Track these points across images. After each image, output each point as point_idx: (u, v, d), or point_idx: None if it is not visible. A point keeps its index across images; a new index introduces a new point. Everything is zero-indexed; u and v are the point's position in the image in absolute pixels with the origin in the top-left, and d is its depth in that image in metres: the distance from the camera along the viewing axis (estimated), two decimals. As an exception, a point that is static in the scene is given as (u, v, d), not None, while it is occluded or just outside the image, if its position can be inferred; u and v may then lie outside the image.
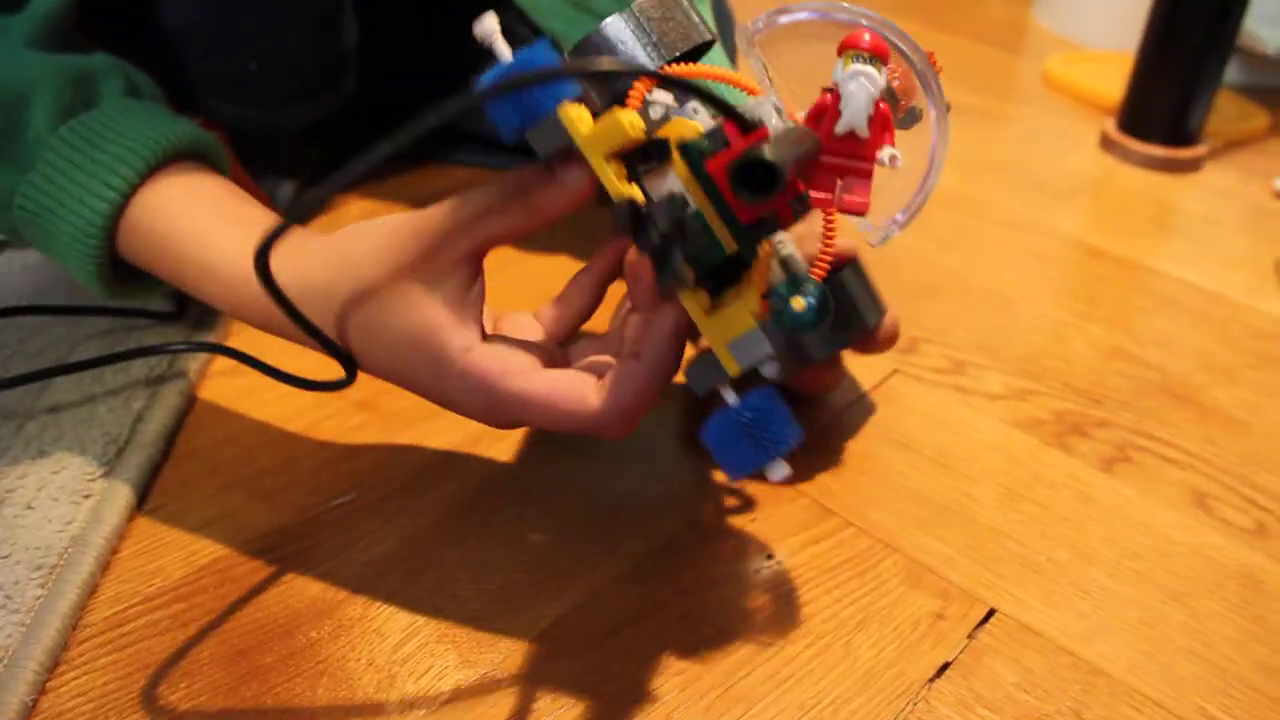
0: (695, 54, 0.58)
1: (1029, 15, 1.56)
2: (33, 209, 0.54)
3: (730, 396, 0.47)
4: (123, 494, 0.58)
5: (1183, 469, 0.68)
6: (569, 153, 0.47)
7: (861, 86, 0.43)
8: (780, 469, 0.47)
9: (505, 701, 0.50)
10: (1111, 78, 1.18)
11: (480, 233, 0.48)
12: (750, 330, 0.46)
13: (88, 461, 0.60)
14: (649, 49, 0.57)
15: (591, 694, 0.50)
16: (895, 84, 0.46)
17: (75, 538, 0.55)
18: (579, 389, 0.48)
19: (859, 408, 0.70)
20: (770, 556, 0.58)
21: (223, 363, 0.70)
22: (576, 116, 0.46)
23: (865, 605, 0.56)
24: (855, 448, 0.67)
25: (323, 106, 0.80)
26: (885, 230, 0.49)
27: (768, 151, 0.39)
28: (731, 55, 0.90)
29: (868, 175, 0.45)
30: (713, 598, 0.56)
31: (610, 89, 0.50)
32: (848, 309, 0.63)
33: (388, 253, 0.48)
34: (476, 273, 0.49)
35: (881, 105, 0.44)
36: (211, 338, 0.71)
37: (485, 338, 0.49)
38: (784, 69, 0.50)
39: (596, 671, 0.51)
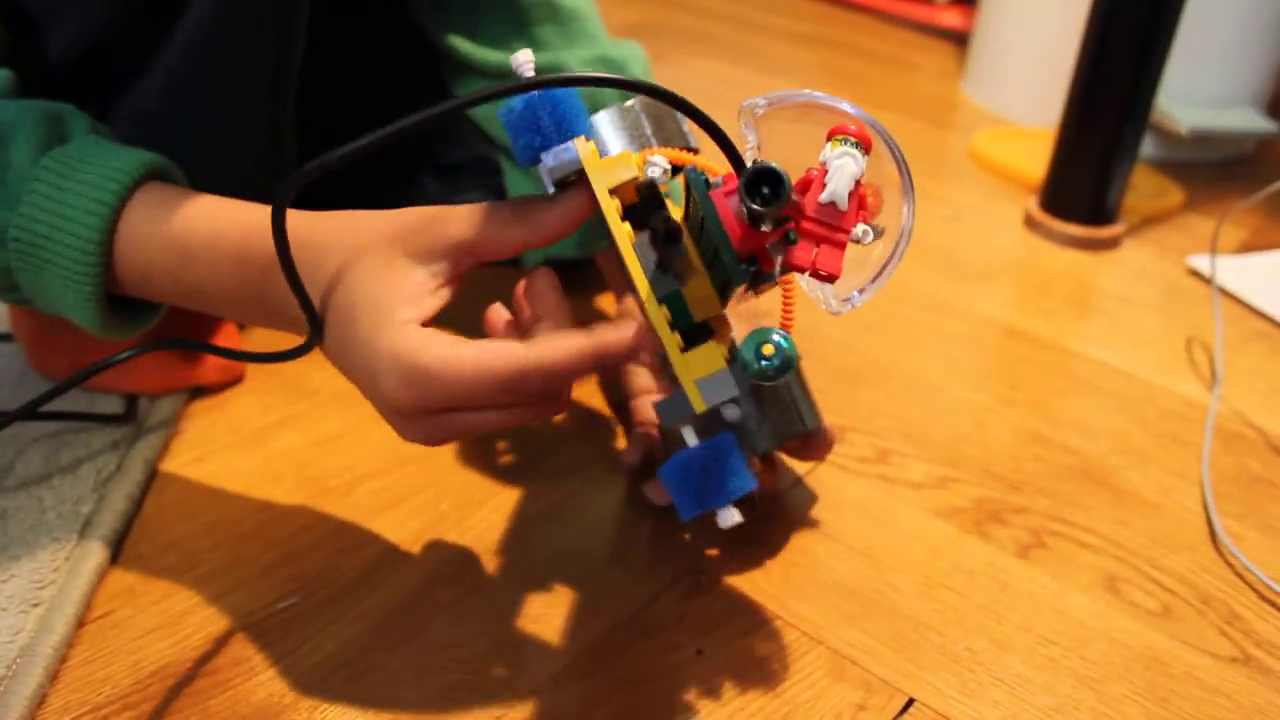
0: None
1: (958, 89, 1.61)
2: (28, 239, 0.57)
3: (691, 438, 0.52)
4: (72, 601, 0.60)
5: (1096, 553, 0.71)
6: (573, 182, 0.52)
7: (848, 162, 0.48)
8: (730, 515, 0.51)
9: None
10: (1036, 154, 1.23)
11: (475, 237, 0.53)
12: (719, 370, 0.51)
13: (36, 569, 0.62)
14: (632, 145, 0.63)
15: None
16: (869, 198, 0.51)
17: (24, 648, 0.57)
18: (508, 346, 0.51)
19: (789, 498, 0.73)
20: (700, 651, 0.61)
21: (172, 463, 0.72)
22: (589, 150, 0.51)
23: (790, 698, 0.59)
24: (784, 539, 0.70)
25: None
26: (850, 301, 0.53)
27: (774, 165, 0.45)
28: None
29: (841, 245, 0.49)
30: (644, 693, 0.58)
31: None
32: (789, 409, 0.66)
33: (390, 221, 0.53)
34: (454, 275, 0.54)
35: (861, 186, 0.49)
36: (157, 441, 0.72)
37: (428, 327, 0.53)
38: (772, 147, 0.54)
39: (533, 772, 0.54)
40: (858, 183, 0.49)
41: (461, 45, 0.79)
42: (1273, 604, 0.68)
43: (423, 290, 0.53)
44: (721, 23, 1.83)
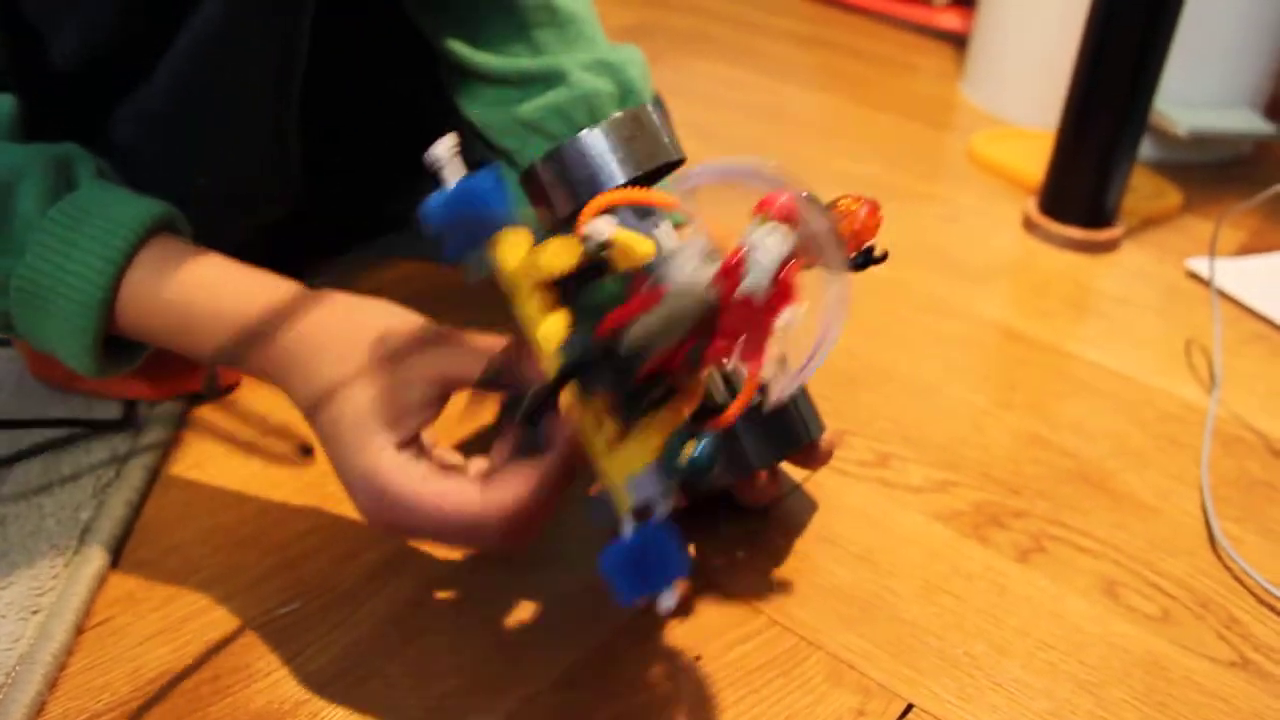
0: (664, 171, 0.62)
1: (957, 91, 1.61)
2: (31, 289, 0.57)
3: (627, 527, 0.50)
4: (71, 608, 0.60)
5: (1094, 557, 0.71)
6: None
7: (765, 252, 0.46)
8: (667, 599, 0.50)
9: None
10: (1035, 156, 1.23)
11: (454, 370, 0.54)
12: (646, 469, 0.49)
13: (36, 575, 0.62)
14: (619, 163, 0.61)
15: (527, 802, 0.52)
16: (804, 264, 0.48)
17: (23, 655, 0.57)
18: (464, 490, 0.52)
19: (788, 504, 0.73)
20: (698, 658, 0.61)
21: (171, 469, 0.72)
22: (511, 246, 0.49)
23: (789, 704, 0.59)
24: (783, 544, 0.70)
25: (271, 214, 0.83)
26: (778, 394, 0.51)
27: (628, 338, 0.42)
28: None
29: (765, 336, 0.48)
30: (641, 701, 0.58)
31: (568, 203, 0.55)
32: (791, 422, 0.65)
33: (391, 334, 0.55)
34: (438, 398, 0.55)
35: (786, 269, 0.46)
36: (156, 447, 0.72)
37: (406, 449, 0.54)
38: (718, 211, 0.52)
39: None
40: (781, 267, 0.46)
41: (461, 49, 0.79)
42: (1271, 608, 0.68)
43: (407, 411, 0.54)
44: (719, 23, 1.83)
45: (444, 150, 0.51)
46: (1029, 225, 1.17)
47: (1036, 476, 0.78)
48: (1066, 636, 0.65)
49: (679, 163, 0.66)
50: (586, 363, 0.46)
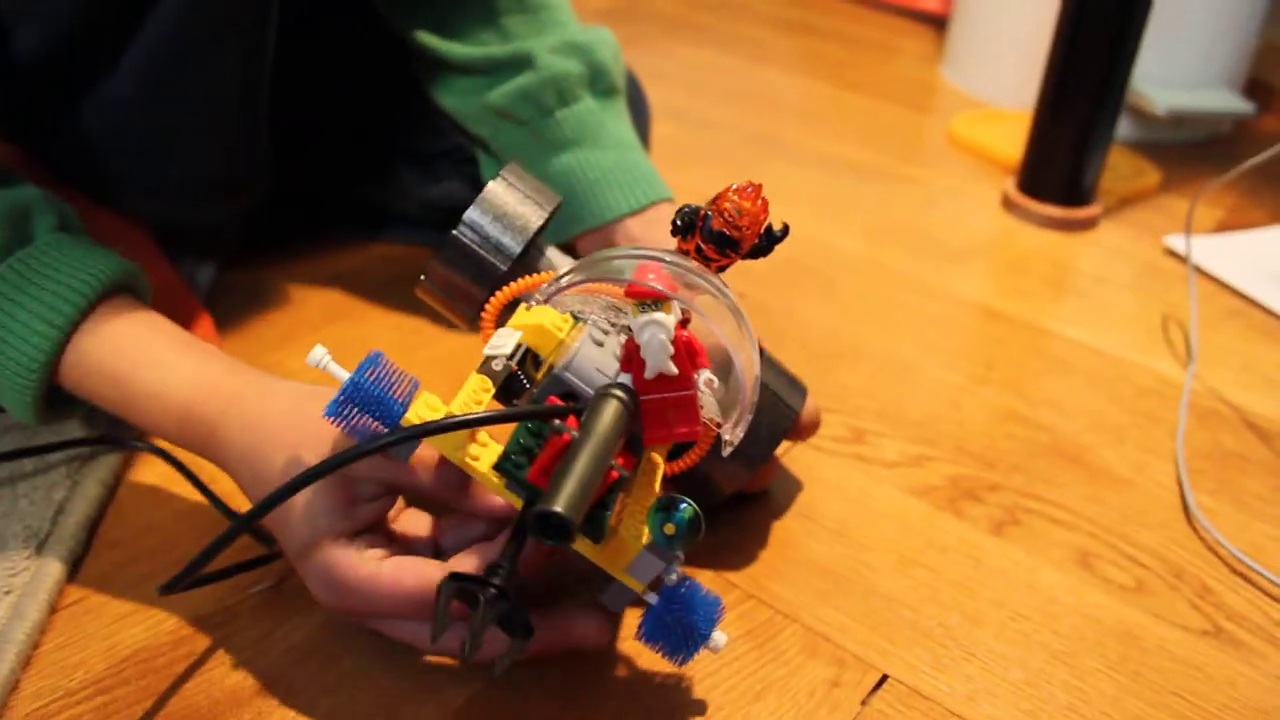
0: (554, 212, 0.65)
1: (937, 73, 1.61)
2: None
3: (651, 597, 0.52)
4: (45, 587, 0.60)
5: (1069, 530, 0.72)
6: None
7: (654, 335, 0.48)
8: (719, 639, 0.53)
9: (418, 785, 0.52)
10: (1014, 136, 1.23)
11: (401, 479, 0.54)
12: (639, 555, 0.51)
13: (8, 555, 0.62)
14: (496, 253, 0.63)
15: (501, 774, 0.53)
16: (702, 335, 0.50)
17: (-3, 635, 0.57)
18: (421, 569, 0.53)
19: (763, 478, 0.73)
20: (674, 631, 0.61)
21: (144, 452, 0.72)
22: (425, 409, 0.51)
23: (764, 676, 0.59)
24: (758, 519, 0.70)
25: (243, 201, 0.83)
26: (733, 437, 0.53)
27: (558, 505, 0.42)
28: (646, 142, 0.94)
29: (691, 402, 0.49)
30: (619, 671, 0.58)
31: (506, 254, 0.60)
32: (776, 405, 0.65)
33: (339, 434, 0.53)
34: (392, 495, 0.55)
35: (680, 339, 0.48)
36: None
37: (360, 537, 0.54)
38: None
39: (506, 751, 0.54)
40: (677, 337, 0.48)
41: (431, 41, 0.79)
42: (1245, 577, 0.69)
43: (357, 502, 0.54)
44: (700, 8, 1.83)
45: (318, 355, 0.52)
46: (1008, 204, 1.17)
47: (1012, 451, 0.79)
48: (1041, 607, 0.65)
49: (559, 204, 0.67)
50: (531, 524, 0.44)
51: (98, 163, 0.72)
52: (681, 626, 0.52)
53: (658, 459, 0.57)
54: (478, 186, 0.81)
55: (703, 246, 0.52)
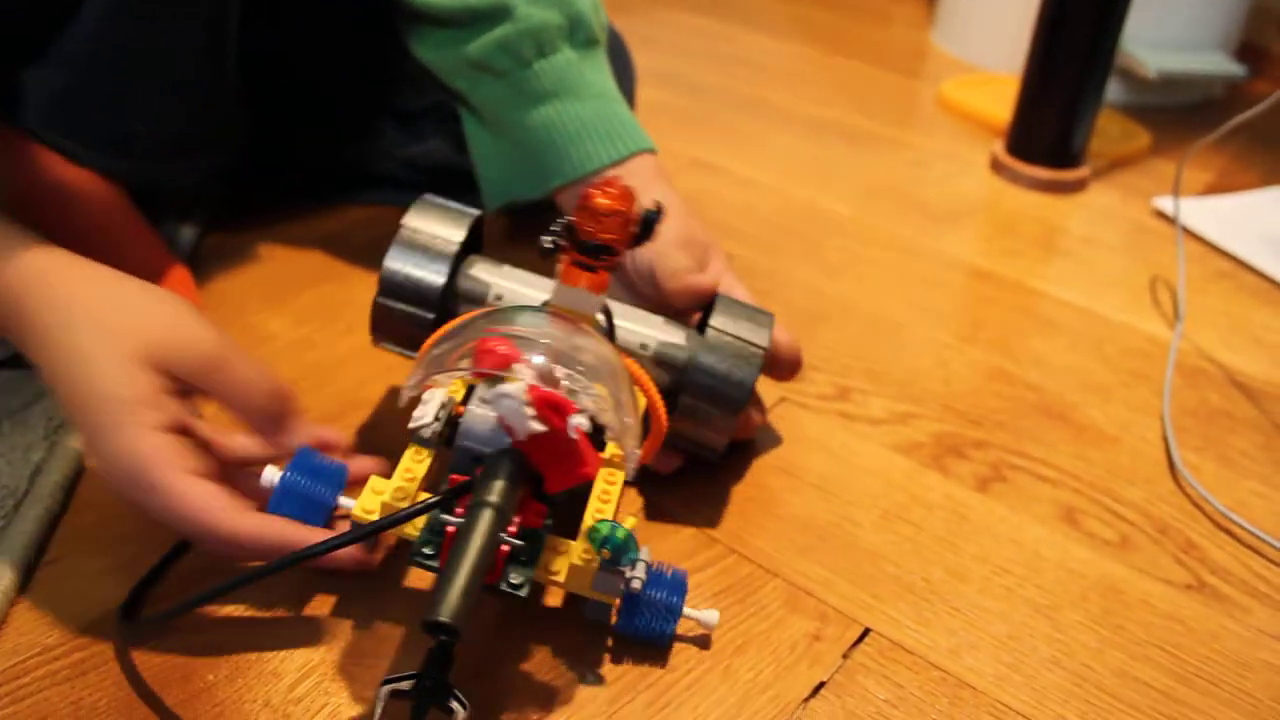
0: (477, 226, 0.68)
1: (928, 39, 1.60)
2: None
3: (626, 600, 0.56)
4: (21, 546, 0.59)
5: (1054, 486, 0.71)
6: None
7: (508, 407, 0.50)
8: (711, 617, 0.57)
9: (396, 737, 0.52)
10: (1004, 100, 1.22)
11: (217, 383, 0.56)
12: (596, 575, 0.54)
13: (-14, 515, 0.61)
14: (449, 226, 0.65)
15: (489, 716, 0.52)
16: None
17: (-27, 593, 0.56)
18: (216, 507, 0.53)
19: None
20: (656, 586, 0.61)
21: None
22: (370, 495, 0.56)
23: (745, 630, 0.59)
24: (740, 476, 0.70)
25: (215, 161, 0.82)
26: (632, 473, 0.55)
27: (442, 615, 0.45)
28: (631, 100, 0.93)
29: (573, 447, 0.51)
30: (602, 627, 0.58)
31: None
32: (740, 349, 0.64)
33: (163, 339, 0.54)
34: (195, 392, 0.56)
35: (540, 398, 0.50)
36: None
37: (168, 431, 0.53)
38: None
39: (484, 701, 0.53)
40: (534, 403, 0.50)
41: None
42: (1229, 533, 0.69)
43: (173, 396, 0.54)
44: (690, -25, 1.81)
45: (271, 474, 0.56)
46: (996, 166, 1.17)
47: (998, 409, 0.78)
48: (1025, 562, 0.65)
49: (479, 219, 0.68)
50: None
51: (65, 120, 0.72)
52: (653, 607, 0.56)
53: (611, 482, 0.59)
54: (461, 144, 0.80)
55: (581, 259, 0.55)
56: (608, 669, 0.56)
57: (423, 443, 0.57)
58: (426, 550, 0.53)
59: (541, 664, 0.56)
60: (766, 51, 1.50)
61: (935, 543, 0.66)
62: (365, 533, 0.52)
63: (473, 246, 0.68)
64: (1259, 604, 0.63)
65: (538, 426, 0.50)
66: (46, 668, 0.54)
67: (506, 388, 0.50)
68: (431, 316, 0.64)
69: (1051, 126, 1.13)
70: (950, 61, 1.52)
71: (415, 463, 0.56)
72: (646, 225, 0.56)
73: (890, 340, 0.85)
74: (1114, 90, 1.32)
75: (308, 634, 0.57)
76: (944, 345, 0.85)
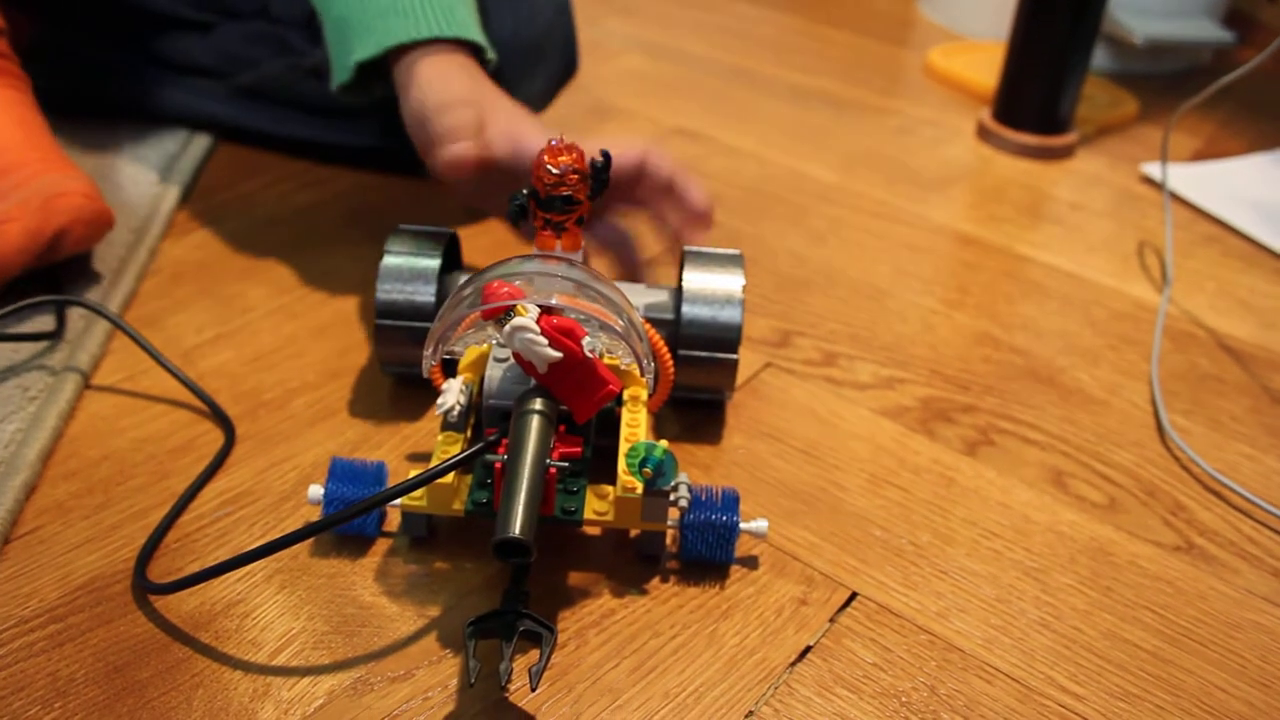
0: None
1: (914, 8, 1.59)
2: None
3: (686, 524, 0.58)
4: (-3, 518, 0.58)
5: (1043, 449, 0.71)
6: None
7: (522, 339, 0.52)
8: (760, 526, 0.59)
9: (379, 704, 0.51)
10: (990, 68, 1.21)
11: None
12: (643, 504, 0.56)
13: (-39, 486, 0.60)
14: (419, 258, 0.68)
15: (463, 690, 0.52)
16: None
17: (-53, 563, 0.55)
18: None
19: (732, 401, 0.72)
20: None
21: (103, 380, 0.70)
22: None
23: (731, 595, 0.58)
24: (727, 441, 0.69)
25: None
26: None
27: (512, 530, 0.47)
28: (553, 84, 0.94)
29: (592, 367, 0.53)
30: (589, 590, 0.57)
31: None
32: (716, 290, 0.67)
33: None
34: None
35: (549, 325, 0.52)
36: (87, 359, 0.71)
37: None
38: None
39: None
40: (542, 332, 0.52)
41: None
42: (1218, 495, 0.68)
43: None
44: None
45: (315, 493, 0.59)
46: (983, 133, 1.16)
47: (986, 374, 0.78)
48: (1013, 525, 0.64)
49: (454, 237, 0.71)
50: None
51: None
52: (712, 529, 0.57)
53: (635, 413, 0.60)
54: None
55: (548, 217, 0.59)
56: (592, 634, 0.55)
57: (451, 427, 0.59)
58: (481, 498, 0.57)
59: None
60: (750, 19, 1.49)
61: (923, 506, 0.65)
62: (418, 481, 0.53)
63: (453, 263, 0.71)
64: (1247, 565, 0.63)
65: (554, 353, 0.52)
66: (23, 639, 0.53)
67: (518, 321, 0.52)
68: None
69: (1038, 93, 1.12)
70: (937, 30, 1.51)
71: (448, 446, 0.57)
72: (599, 173, 0.59)
73: (877, 306, 0.85)
74: (1101, 57, 1.32)
75: (288, 604, 0.56)
76: (931, 310, 0.85)
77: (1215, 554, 0.64)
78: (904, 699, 0.53)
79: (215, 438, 0.66)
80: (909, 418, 0.72)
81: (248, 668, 0.52)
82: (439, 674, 0.53)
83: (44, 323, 0.73)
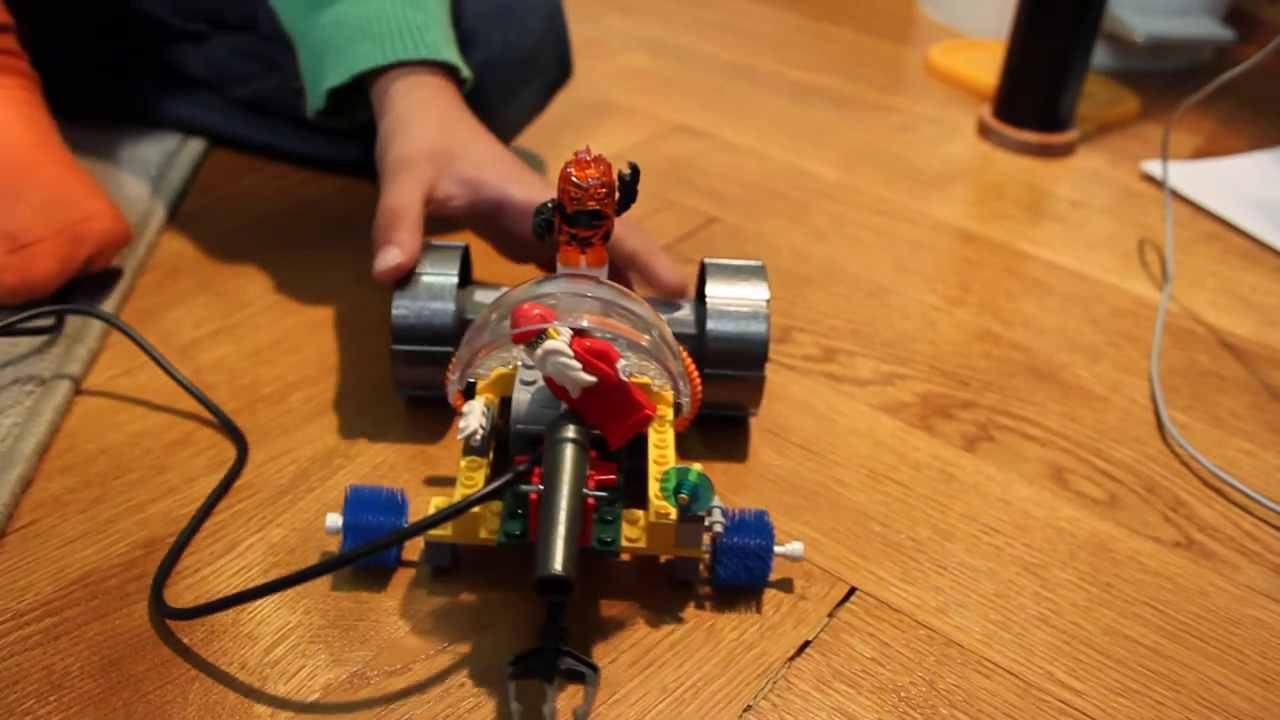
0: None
1: (915, 5, 1.59)
2: None
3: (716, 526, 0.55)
4: (-7, 511, 0.58)
5: (1043, 446, 0.71)
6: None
7: (555, 363, 0.51)
8: (796, 548, 0.57)
9: (375, 699, 0.51)
10: (991, 65, 1.21)
11: None
12: (678, 529, 0.54)
13: (-43, 480, 0.60)
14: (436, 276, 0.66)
15: (459, 685, 0.51)
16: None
17: (-58, 557, 0.55)
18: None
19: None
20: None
21: (100, 376, 0.70)
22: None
23: (730, 590, 0.58)
24: (726, 437, 0.69)
25: None
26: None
27: (554, 567, 0.46)
28: (548, 90, 0.93)
29: (628, 391, 0.52)
30: (586, 587, 0.57)
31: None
32: (741, 303, 0.65)
33: None
34: None
35: (582, 349, 0.51)
36: (85, 354, 0.71)
37: None
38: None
39: (466, 663, 0.53)
40: (578, 358, 0.51)
41: None
42: (1218, 491, 0.68)
43: None
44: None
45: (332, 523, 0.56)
46: (984, 130, 1.16)
47: (986, 370, 0.77)
48: (1013, 521, 0.64)
49: (466, 251, 0.69)
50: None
51: None
52: (746, 552, 0.56)
53: (663, 433, 0.59)
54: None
55: (574, 233, 0.56)
56: (592, 628, 0.55)
57: (474, 451, 0.57)
58: (514, 529, 0.54)
59: (533, 618, 0.55)
60: (750, 17, 1.49)
61: (922, 502, 0.65)
62: (445, 515, 0.51)
63: (465, 278, 0.69)
64: (1247, 561, 0.63)
65: (588, 378, 0.51)
66: (18, 633, 0.53)
67: (551, 344, 0.50)
68: (449, 350, 0.64)
69: (1039, 91, 1.12)
70: (937, 28, 1.50)
71: (472, 472, 0.56)
72: (628, 187, 0.56)
73: (877, 302, 0.85)
74: (1102, 55, 1.31)
75: (285, 597, 0.56)
76: (931, 307, 0.84)
77: (1215, 550, 0.63)
78: (903, 694, 0.53)
79: (211, 433, 0.66)
80: (909, 413, 0.72)
81: (244, 661, 0.52)
82: (435, 668, 0.52)
83: (42, 318, 0.73)
